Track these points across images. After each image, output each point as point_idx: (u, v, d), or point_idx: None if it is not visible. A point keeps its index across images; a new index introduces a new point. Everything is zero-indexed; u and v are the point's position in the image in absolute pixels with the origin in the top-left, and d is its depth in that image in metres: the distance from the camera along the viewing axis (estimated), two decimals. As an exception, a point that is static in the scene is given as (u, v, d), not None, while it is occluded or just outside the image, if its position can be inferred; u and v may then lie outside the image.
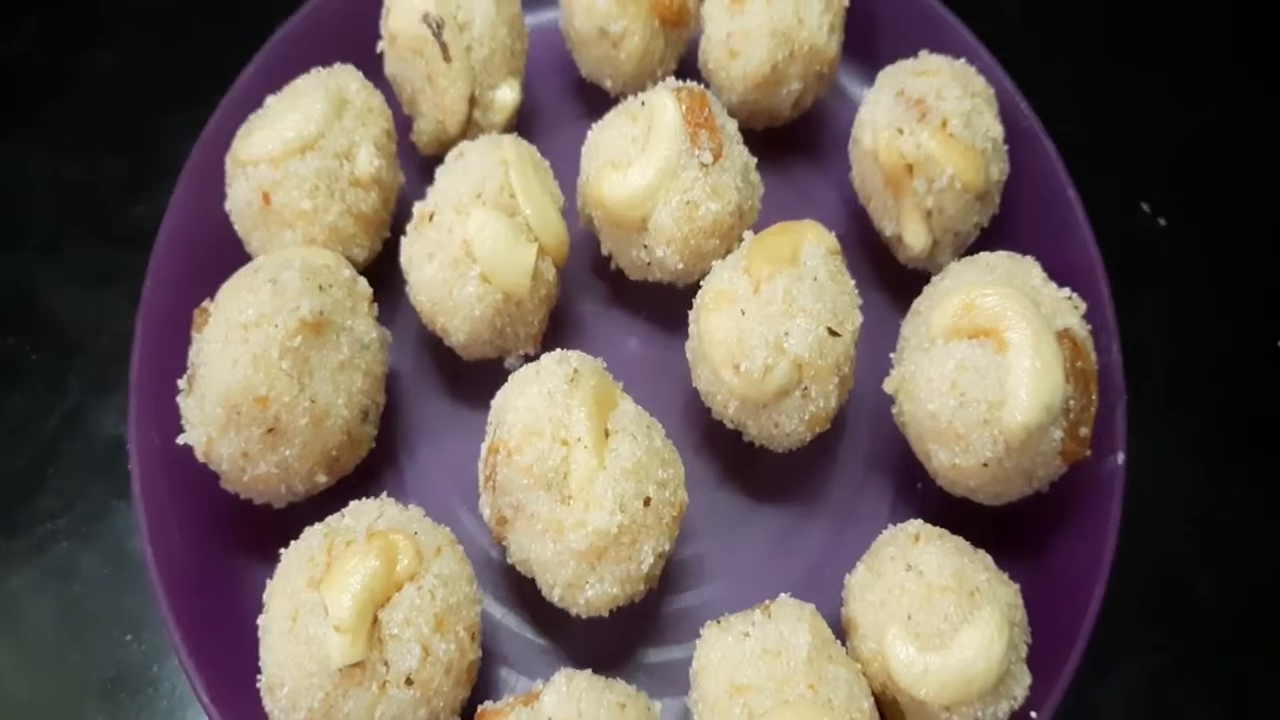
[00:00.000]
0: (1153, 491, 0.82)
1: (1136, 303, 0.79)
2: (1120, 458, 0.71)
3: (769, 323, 0.67)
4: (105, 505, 0.81)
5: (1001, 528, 0.72)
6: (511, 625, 0.72)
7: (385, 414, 0.77)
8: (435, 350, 0.80)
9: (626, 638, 0.71)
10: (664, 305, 0.81)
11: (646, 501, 0.63)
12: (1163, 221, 0.96)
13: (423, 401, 0.80)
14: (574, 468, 0.62)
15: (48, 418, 0.85)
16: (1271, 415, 0.87)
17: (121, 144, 0.97)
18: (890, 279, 0.84)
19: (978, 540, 0.67)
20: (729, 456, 0.78)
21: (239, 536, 0.72)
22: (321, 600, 0.58)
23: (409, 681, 0.58)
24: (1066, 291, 0.70)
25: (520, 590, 0.72)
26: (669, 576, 0.74)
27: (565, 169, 0.81)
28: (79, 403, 0.85)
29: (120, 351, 0.74)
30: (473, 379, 0.79)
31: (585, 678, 0.59)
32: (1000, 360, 0.64)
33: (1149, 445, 0.80)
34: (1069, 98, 1.01)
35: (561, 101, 0.92)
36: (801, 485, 0.78)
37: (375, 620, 0.59)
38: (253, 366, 0.64)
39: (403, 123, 0.86)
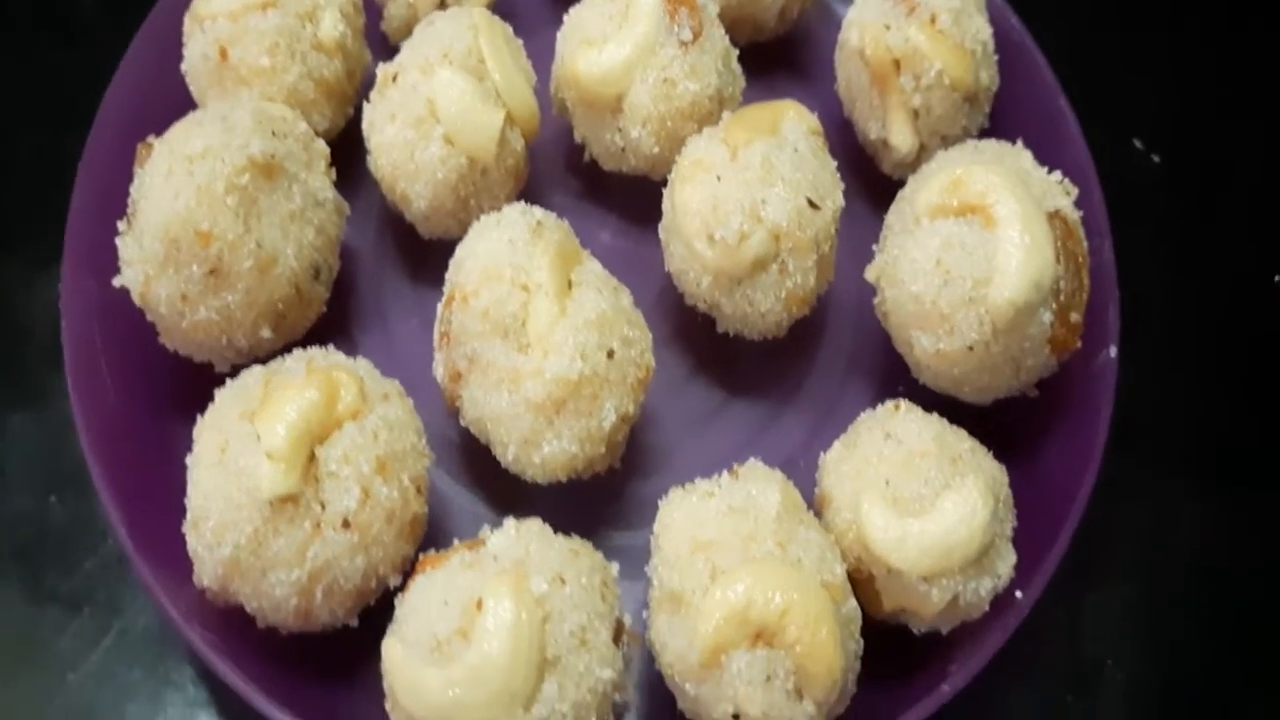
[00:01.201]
0: (1150, 427, 0.81)
1: (1131, 240, 0.78)
2: (1113, 351, 0.71)
3: (746, 189, 0.67)
4: (44, 374, 0.78)
5: (988, 427, 0.69)
6: (465, 504, 0.71)
7: (341, 291, 0.77)
8: (397, 231, 0.80)
9: (588, 519, 0.69)
10: (638, 199, 0.81)
11: (610, 354, 0.62)
12: (1156, 158, 0.97)
13: (381, 282, 0.79)
14: (533, 314, 0.61)
15: None
16: (1270, 351, 0.87)
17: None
18: (875, 190, 0.83)
19: None
20: (702, 349, 0.78)
21: (177, 399, 0.69)
22: (254, 431, 0.56)
23: (346, 524, 0.56)
24: (1058, 175, 0.70)
25: (476, 467, 0.70)
26: (635, 461, 0.73)
27: (540, 67, 0.80)
28: (19, 266, 0.82)
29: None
30: (435, 262, 0.77)
31: (537, 524, 0.57)
32: (988, 236, 0.64)
33: (1145, 379, 0.79)
34: (1060, 32, 1.02)
35: (540, 4, 0.92)
36: (777, 380, 0.77)
37: (313, 458, 0.57)
38: (196, 199, 0.63)
39: (374, 14, 0.85)
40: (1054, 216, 0.67)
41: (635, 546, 0.67)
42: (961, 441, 0.62)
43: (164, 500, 0.61)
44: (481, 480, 0.71)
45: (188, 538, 0.58)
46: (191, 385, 0.68)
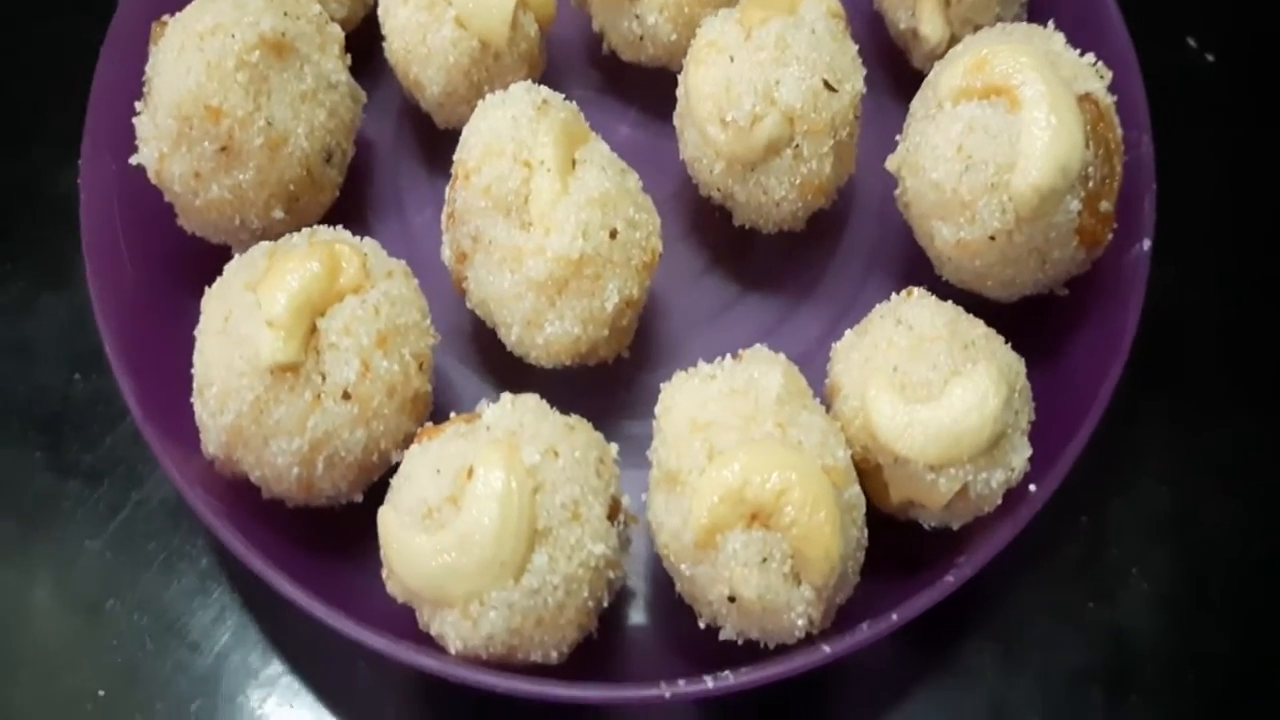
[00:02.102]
0: (1183, 329, 0.75)
1: (1176, 140, 0.71)
2: (1146, 244, 0.64)
3: (759, 69, 0.62)
4: (72, 256, 0.78)
5: (1013, 325, 0.62)
6: (476, 390, 0.68)
7: (358, 180, 0.74)
8: (415, 122, 0.76)
9: (598, 407, 0.64)
10: (657, 91, 0.75)
11: (613, 234, 0.58)
12: (1211, 58, 0.89)
13: (398, 172, 0.76)
14: (535, 191, 0.57)
15: (16, 167, 0.81)
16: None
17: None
18: (904, 85, 0.76)
19: None
20: (718, 243, 0.73)
21: (193, 280, 0.67)
22: (256, 300, 0.54)
23: (346, 395, 0.54)
24: (1090, 58, 0.63)
25: (488, 354, 0.67)
26: (647, 351, 0.69)
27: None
28: (53, 158, 0.81)
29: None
30: (451, 150, 0.72)
31: (534, 400, 0.54)
32: (1012, 119, 0.58)
33: (1182, 281, 0.74)
34: None
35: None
36: (795, 275, 0.72)
37: (314, 330, 0.55)
38: (206, 74, 0.60)
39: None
40: (1085, 99, 0.60)
41: (644, 435, 0.63)
42: (975, 328, 0.57)
43: (176, 375, 0.59)
44: (492, 366, 0.68)
45: (195, 405, 0.56)
46: (208, 267, 0.67)
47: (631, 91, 0.79)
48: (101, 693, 0.62)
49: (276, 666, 0.63)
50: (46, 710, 0.63)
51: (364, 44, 0.74)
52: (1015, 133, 0.58)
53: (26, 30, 0.87)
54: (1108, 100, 0.62)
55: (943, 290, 0.64)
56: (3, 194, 0.80)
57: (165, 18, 0.65)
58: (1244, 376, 0.75)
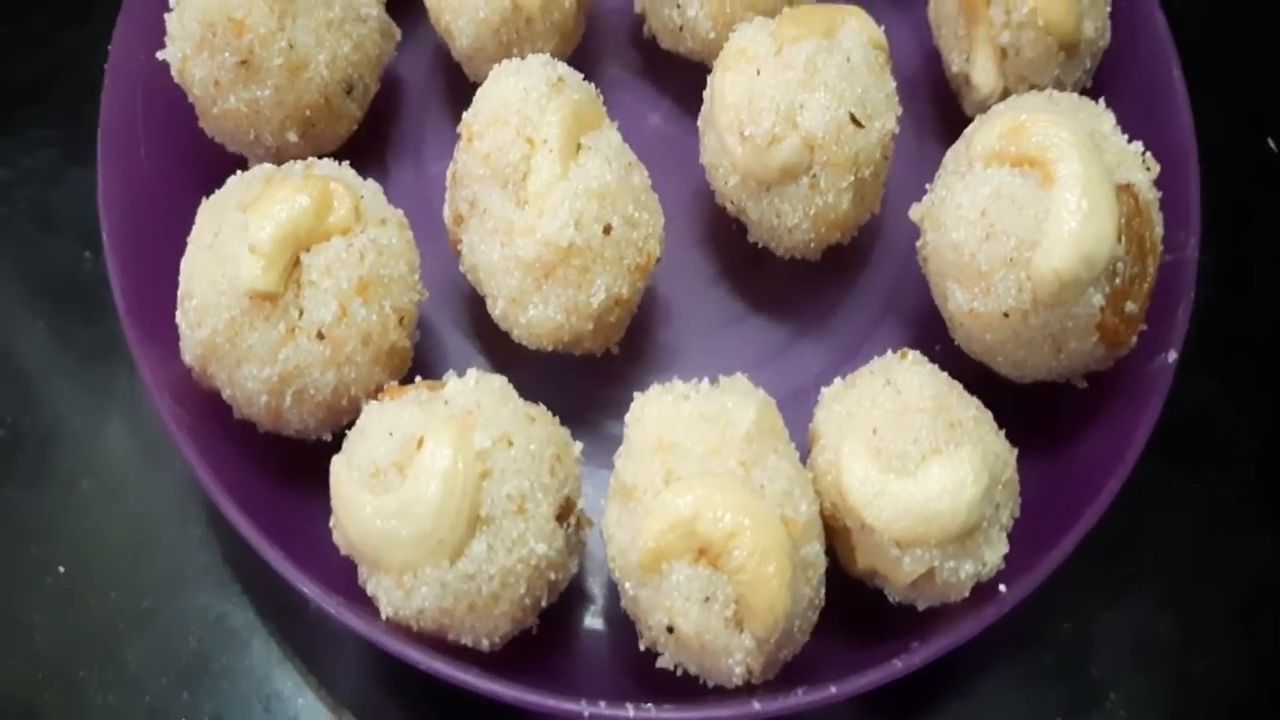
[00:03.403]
0: (1213, 441, 0.66)
1: (1236, 246, 0.64)
2: (1173, 356, 0.57)
3: (784, 89, 0.55)
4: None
5: (1019, 409, 0.56)
6: (463, 355, 0.63)
7: (382, 117, 0.68)
8: (448, 69, 0.69)
9: (581, 398, 0.61)
10: (695, 85, 0.66)
11: (607, 229, 0.52)
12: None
13: (423, 114, 0.70)
14: (534, 170, 0.52)
15: (69, 36, 0.76)
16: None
17: None
18: (954, 131, 0.65)
19: (992, 415, 0.54)
20: (731, 256, 0.66)
21: (202, 179, 0.62)
22: (245, 221, 0.50)
23: (320, 335, 0.50)
24: (1139, 146, 0.56)
25: (479, 320, 0.62)
26: (640, 352, 0.63)
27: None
28: (105, 29, 0.76)
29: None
30: None
31: (500, 381, 0.50)
32: (1043, 195, 0.51)
33: (1221, 395, 0.66)
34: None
35: None
36: (805, 305, 0.65)
37: (297, 263, 0.50)
38: (233, -15, 0.55)
39: None
40: (1124, 190, 0.53)
41: (621, 437, 0.58)
42: (966, 409, 0.51)
43: (168, 278, 0.55)
44: (482, 332, 0.63)
45: (177, 311, 0.52)
46: (222, 175, 0.62)
47: (669, 80, 0.71)
48: (62, 569, 0.60)
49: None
50: (9, 574, 0.60)
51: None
52: (1043, 209, 0.51)
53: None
54: (1150, 195, 0.55)
55: (956, 356, 0.58)
56: (51, 60, 0.75)
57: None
58: (1272, 500, 0.66)
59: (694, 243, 0.68)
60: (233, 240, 0.50)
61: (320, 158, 0.63)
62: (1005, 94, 0.66)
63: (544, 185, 0.52)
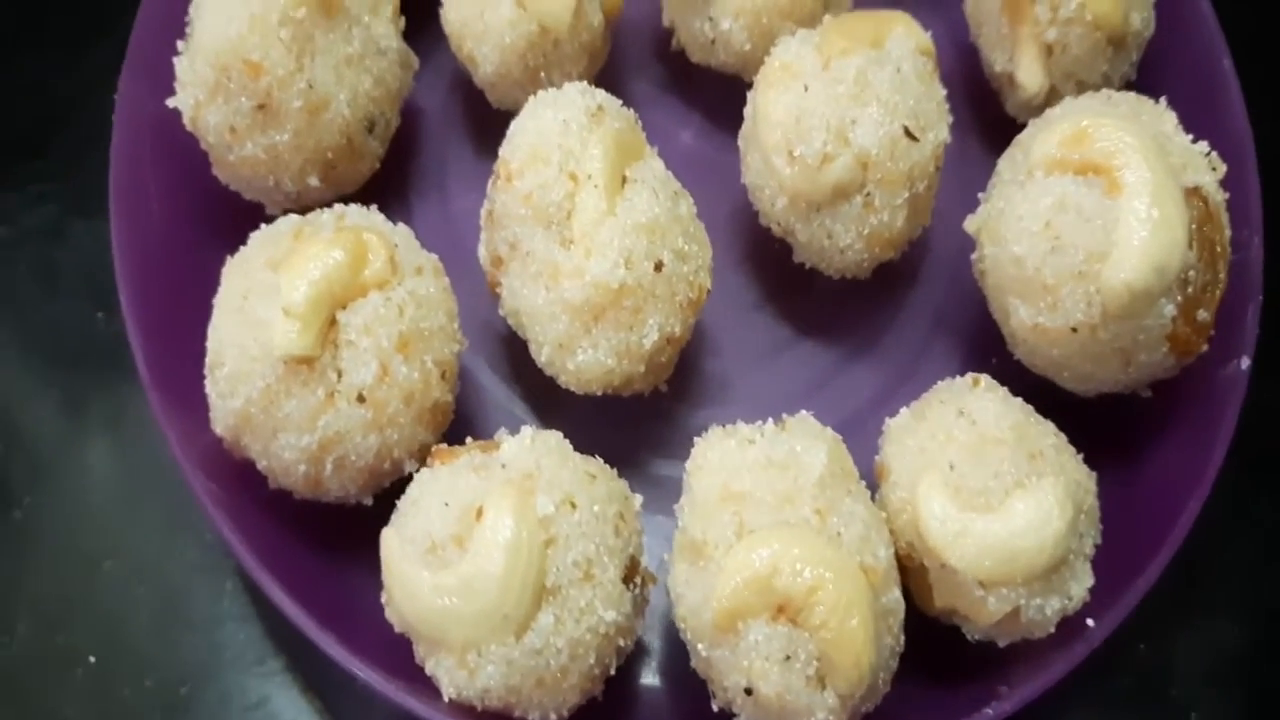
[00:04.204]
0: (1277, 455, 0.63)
1: None
2: (1245, 363, 0.54)
3: (835, 105, 0.52)
4: (108, 183, 0.69)
5: (1087, 424, 0.53)
6: (501, 399, 0.59)
7: (403, 150, 0.64)
8: (469, 94, 0.65)
9: (629, 439, 0.58)
10: (727, 100, 0.63)
11: (658, 266, 0.49)
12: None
13: (445, 145, 0.66)
14: (579, 207, 0.49)
15: (67, 80, 0.72)
16: None
17: None
18: (996, 133, 0.65)
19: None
20: (776, 277, 0.63)
21: (220, 229, 0.59)
22: (277, 282, 0.47)
23: (361, 398, 0.47)
24: (1204, 146, 0.53)
25: (517, 363, 0.59)
26: (687, 386, 0.60)
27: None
28: (104, 72, 0.72)
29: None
30: (503, 131, 0.63)
31: (556, 439, 0.47)
32: (1109, 204, 0.49)
33: None
34: None
35: None
36: (854, 326, 0.62)
37: (333, 322, 0.47)
38: (248, 26, 0.51)
39: None
40: (1192, 193, 0.50)
41: (674, 477, 0.54)
42: (1045, 436, 0.48)
43: (192, 340, 0.52)
44: (522, 376, 0.59)
45: (206, 380, 0.49)
46: (239, 221, 0.58)
47: (698, 95, 0.68)
48: (92, 659, 0.56)
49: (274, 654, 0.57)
50: (39, 669, 0.57)
51: (423, 6, 0.64)
52: (1111, 219, 0.48)
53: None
54: (1219, 197, 0.52)
55: (1014, 369, 0.55)
56: (45, 109, 0.71)
57: (214, -45, 0.56)
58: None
59: (735, 266, 0.65)
60: (264, 302, 0.47)
61: (342, 198, 0.60)
62: (1052, 92, 0.63)
63: (590, 223, 0.49)
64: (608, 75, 0.67)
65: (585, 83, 0.54)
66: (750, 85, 0.60)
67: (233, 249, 0.56)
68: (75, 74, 0.72)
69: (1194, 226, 0.50)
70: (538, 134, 0.50)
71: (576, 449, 0.49)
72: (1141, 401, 0.56)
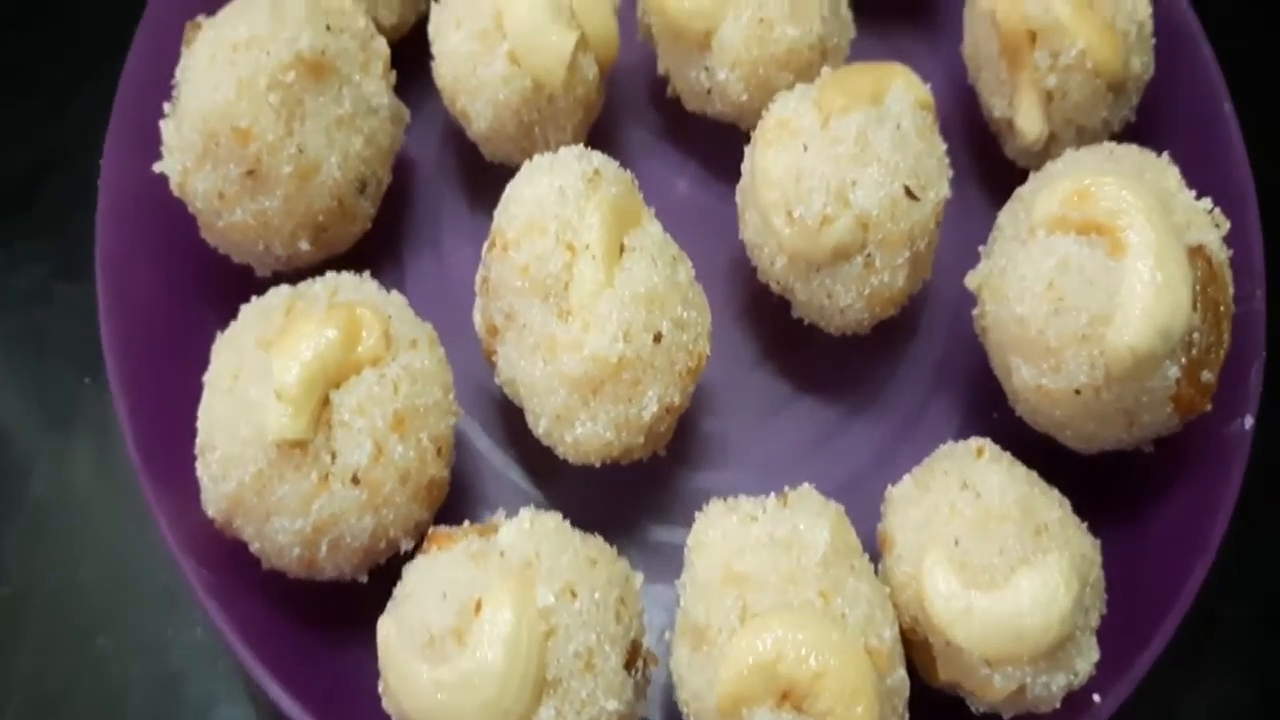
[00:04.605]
0: None
1: None
2: (1249, 422, 0.54)
3: (835, 165, 0.52)
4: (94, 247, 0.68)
5: (1089, 481, 0.54)
6: (497, 464, 0.58)
7: (394, 205, 0.63)
8: (461, 145, 0.65)
9: (625, 505, 0.57)
10: (724, 148, 0.63)
11: (657, 337, 0.49)
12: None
13: (439, 199, 0.66)
14: (577, 279, 0.48)
15: (51, 131, 0.70)
16: None
17: None
18: (995, 176, 0.65)
19: (1058, 488, 0.51)
20: (774, 332, 0.62)
21: (209, 297, 0.59)
22: (268, 362, 0.46)
23: (355, 480, 0.46)
24: (1207, 203, 0.52)
25: (512, 426, 0.58)
26: (686, 448, 0.59)
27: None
28: (88, 123, 0.71)
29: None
30: (497, 183, 0.62)
31: (555, 521, 0.46)
32: (1113, 265, 0.48)
33: None
34: (1242, 23, 0.76)
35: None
36: (855, 381, 0.61)
37: (326, 402, 0.47)
38: (236, 92, 0.51)
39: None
40: (1196, 253, 0.50)
41: (673, 544, 0.55)
42: (1050, 509, 0.48)
43: (182, 413, 0.51)
44: (516, 439, 0.58)
45: (197, 462, 0.48)
46: (229, 286, 0.58)
47: (694, 142, 0.67)
48: None
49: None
50: None
51: (415, 50, 0.63)
52: (1115, 282, 0.48)
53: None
54: (1222, 255, 0.52)
55: (1015, 423, 0.55)
56: (29, 162, 0.70)
57: (200, 18, 0.55)
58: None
59: (733, 321, 0.64)
60: (255, 384, 0.47)
61: (333, 258, 0.58)
62: (1051, 138, 0.63)
63: (589, 295, 0.48)
64: (602, 123, 0.66)
65: (581, 145, 0.53)
66: (747, 133, 0.60)
67: (222, 313, 0.56)
68: (62, 122, 0.71)
69: (1198, 288, 0.50)
70: (534, 203, 0.50)
71: (573, 516, 0.48)
72: (1144, 457, 0.55)
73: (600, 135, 0.66)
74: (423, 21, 0.64)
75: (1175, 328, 0.48)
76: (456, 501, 0.53)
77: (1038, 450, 0.54)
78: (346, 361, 0.47)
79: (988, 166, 0.66)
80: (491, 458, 0.59)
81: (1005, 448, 0.53)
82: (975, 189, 0.67)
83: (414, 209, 0.66)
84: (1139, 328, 0.47)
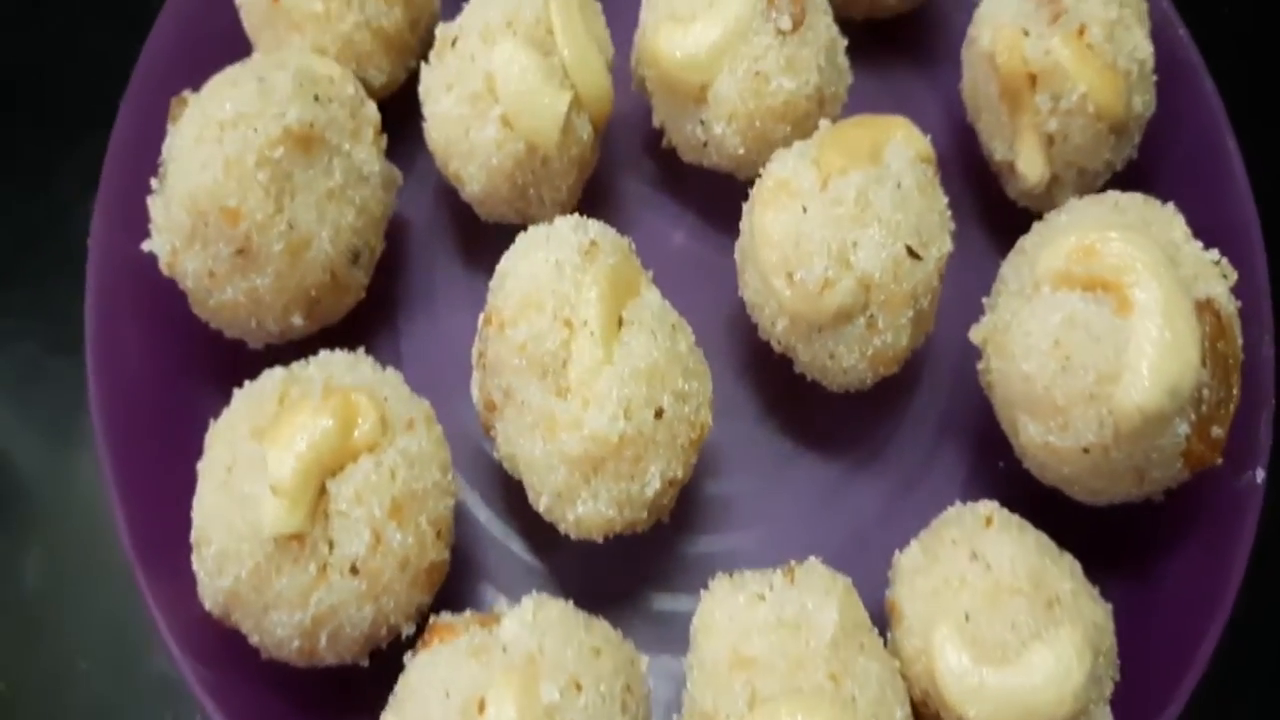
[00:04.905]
0: None
1: None
2: (1260, 475, 0.53)
3: (835, 227, 0.51)
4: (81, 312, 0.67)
5: (1098, 534, 0.54)
6: (497, 534, 0.58)
7: (389, 268, 0.63)
8: (454, 204, 0.64)
9: (629, 575, 0.56)
10: (721, 197, 0.62)
11: (659, 413, 0.48)
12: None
13: (433, 260, 0.65)
14: (575, 356, 0.47)
15: (32, 206, 0.70)
16: None
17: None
18: (995, 215, 0.64)
19: (1066, 543, 0.50)
20: (776, 388, 0.61)
21: (203, 373, 0.58)
22: (263, 455, 0.45)
23: (354, 570, 0.46)
24: (1214, 254, 0.52)
25: (512, 495, 0.57)
26: (688, 514, 0.58)
27: (624, 23, 0.62)
28: (70, 196, 0.70)
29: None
30: (491, 243, 0.61)
31: (558, 609, 0.45)
32: (1120, 323, 0.48)
33: None
34: (1240, 37, 0.75)
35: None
36: (859, 436, 0.61)
37: (323, 491, 0.46)
38: (224, 171, 0.50)
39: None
40: (1204, 307, 0.49)
41: (679, 613, 0.54)
42: (1061, 579, 0.47)
43: (176, 501, 0.50)
44: (516, 510, 0.57)
45: (193, 556, 0.48)
46: (222, 359, 0.57)
47: (692, 192, 0.66)
48: None
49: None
50: None
51: (406, 105, 0.62)
52: (1122, 340, 0.47)
53: (54, 52, 0.75)
54: (1231, 308, 0.51)
55: (1022, 474, 0.54)
56: (15, 234, 0.69)
57: (186, 93, 0.54)
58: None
59: (735, 377, 0.63)
60: (250, 477, 0.46)
61: (327, 327, 0.57)
62: (1053, 180, 0.62)
63: (587, 373, 0.48)
64: (598, 174, 0.65)
65: (576, 214, 0.53)
66: (745, 182, 0.59)
67: (216, 389, 0.55)
68: (44, 194, 0.71)
69: (1206, 344, 0.49)
70: (530, 279, 0.49)
71: (575, 587, 0.48)
72: (1154, 507, 0.54)
73: (596, 187, 0.65)
74: (413, 77, 0.63)
75: (1184, 387, 0.47)
76: (456, 574, 0.52)
77: (1045, 501, 0.53)
78: (342, 450, 0.46)
79: (989, 204, 0.66)
80: (491, 528, 0.58)
81: (1012, 498, 0.52)
82: (977, 228, 0.66)
83: (408, 270, 0.65)
84: (1148, 388, 0.47)
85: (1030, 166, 0.60)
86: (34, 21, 0.76)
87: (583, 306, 0.48)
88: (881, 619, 0.50)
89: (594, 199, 0.65)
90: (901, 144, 0.54)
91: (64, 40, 0.76)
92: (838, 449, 0.61)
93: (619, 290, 0.50)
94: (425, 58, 0.61)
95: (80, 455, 0.64)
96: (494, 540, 0.58)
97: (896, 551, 0.52)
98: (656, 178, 0.68)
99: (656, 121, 0.64)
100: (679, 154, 0.64)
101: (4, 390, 0.66)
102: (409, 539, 0.47)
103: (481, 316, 0.52)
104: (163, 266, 0.54)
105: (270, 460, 0.45)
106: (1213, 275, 0.51)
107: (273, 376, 0.50)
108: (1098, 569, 0.50)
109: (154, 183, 0.55)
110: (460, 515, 0.57)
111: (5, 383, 0.66)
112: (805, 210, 0.52)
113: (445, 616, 0.47)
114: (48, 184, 0.70)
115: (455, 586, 0.54)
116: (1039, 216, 0.58)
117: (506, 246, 0.57)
